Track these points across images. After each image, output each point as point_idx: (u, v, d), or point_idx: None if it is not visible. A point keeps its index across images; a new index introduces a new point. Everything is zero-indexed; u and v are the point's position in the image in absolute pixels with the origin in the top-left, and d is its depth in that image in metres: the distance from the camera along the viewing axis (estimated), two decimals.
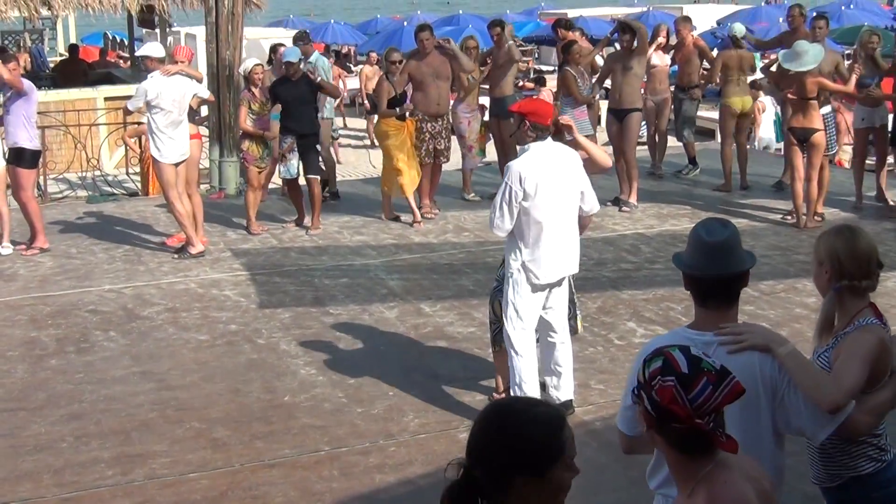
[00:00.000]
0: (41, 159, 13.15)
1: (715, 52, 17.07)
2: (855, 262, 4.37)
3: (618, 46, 15.04)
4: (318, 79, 13.56)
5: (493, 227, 7.41)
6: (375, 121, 14.47)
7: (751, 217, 13.34)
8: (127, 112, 12.68)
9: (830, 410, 3.87)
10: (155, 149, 12.11)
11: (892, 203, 13.69)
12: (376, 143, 16.35)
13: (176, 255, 12.41)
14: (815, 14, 14.51)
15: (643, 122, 15.29)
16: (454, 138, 14.68)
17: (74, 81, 21.07)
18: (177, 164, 12.23)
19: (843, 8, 33.78)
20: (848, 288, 4.37)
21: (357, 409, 7.75)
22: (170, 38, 23.10)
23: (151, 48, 12.72)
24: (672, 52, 15.94)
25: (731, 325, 3.94)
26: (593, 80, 14.92)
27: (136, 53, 12.52)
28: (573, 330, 8.00)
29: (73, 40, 35.96)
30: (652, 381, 3.08)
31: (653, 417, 3.10)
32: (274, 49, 15.69)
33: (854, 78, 12.98)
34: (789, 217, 13.17)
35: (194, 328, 9.99)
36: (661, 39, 15.87)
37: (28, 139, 12.45)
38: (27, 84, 12.48)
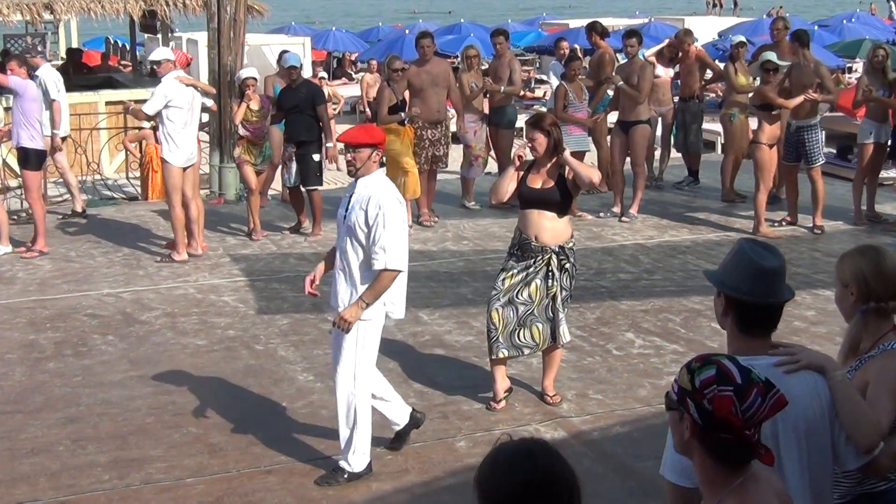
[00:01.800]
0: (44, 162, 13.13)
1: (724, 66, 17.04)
2: (882, 282, 4.27)
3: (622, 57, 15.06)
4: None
5: (398, 265, 6.80)
6: None
7: (749, 230, 13.32)
8: (145, 116, 12.49)
9: (865, 451, 3.81)
10: (167, 151, 12.13)
11: (884, 217, 13.77)
12: None
13: (159, 259, 12.42)
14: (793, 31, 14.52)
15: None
16: (452, 146, 14.68)
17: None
18: (184, 169, 12.26)
19: (844, 22, 33.79)
20: (875, 310, 4.27)
21: None
22: (171, 44, 23.10)
23: (164, 52, 12.75)
24: (674, 63, 15.94)
25: (784, 345, 3.86)
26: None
27: (150, 58, 12.51)
28: (559, 340, 7.99)
29: (74, 44, 35.99)
30: (705, 389, 3.03)
31: (697, 426, 3.06)
32: (281, 56, 15.71)
33: (835, 91, 13.18)
34: (781, 224, 13.49)
35: (192, 333, 9.99)
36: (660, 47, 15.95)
37: (29, 139, 12.50)
38: (14, 82, 12.48)
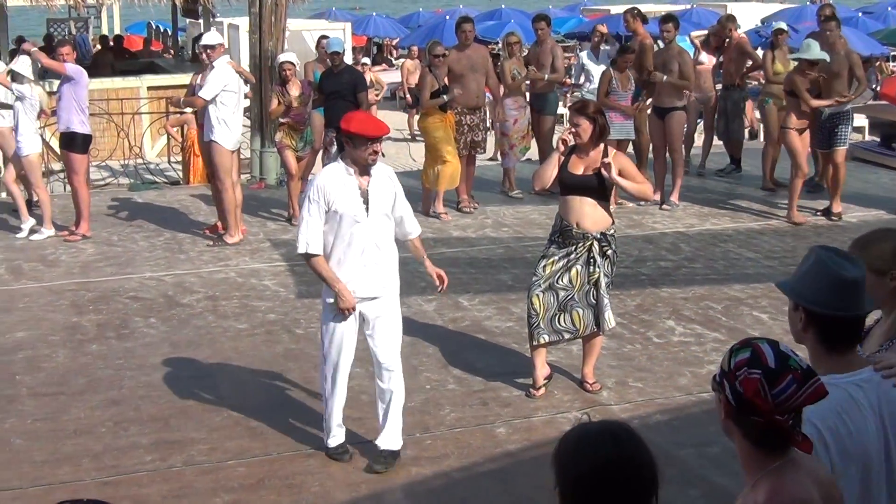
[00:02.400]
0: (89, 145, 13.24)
1: (759, 52, 16.92)
2: None
3: (661, 43, 14.97)
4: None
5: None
6: (418, 115, 14.46)
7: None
8: (204, 103, 12.25)
9: None
10: (219, 134, 12.21)
11: None
12: (417, 137, 16.37)
13: (211, 243, 12.51)
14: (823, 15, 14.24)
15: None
16: (491, 132, 14.65)
17: (104, 73, 21.14)
18: (232, 152, 12.35)
19: (889, 9, 33.42)
20: None
21: None
22: (213, 29, 23.20)
23: (217, 37, 12.81)
24: (720, 52, 15.80)
25: (882, 357, 3.76)
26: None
27: (203, 43, 12.48)
28: (604, 326, 7.98)
29: (117, 30, 36.21)
30: (737, 370, 3.05)
31: (732, 407, 3.08)
32: (319, 41, 15.76)
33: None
34: (819, 213, 13.40)
35: (233, 317, 10.05)
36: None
37: (80, 123, 12.61)
38: (70, 69, 12.57)
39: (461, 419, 7.73)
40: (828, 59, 12.92)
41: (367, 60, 25.91)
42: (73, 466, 7.10)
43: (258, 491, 6.76)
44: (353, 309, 6.84)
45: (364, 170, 6.80)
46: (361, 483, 6.88)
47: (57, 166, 15.70)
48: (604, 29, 16.08)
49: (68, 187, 13.39)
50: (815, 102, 12.85)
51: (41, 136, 13.09)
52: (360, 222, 6.77)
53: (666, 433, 7.47)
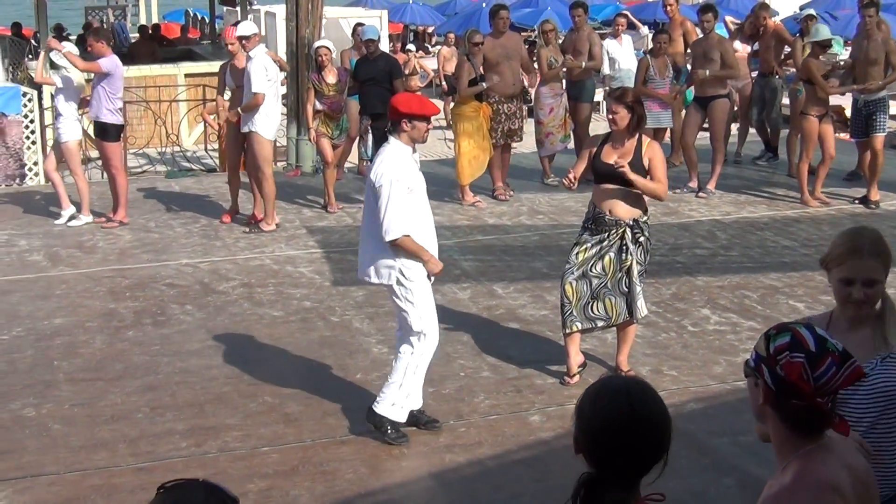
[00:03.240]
0: (122, 134, 13.32)
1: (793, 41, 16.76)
2: None
3: (699, 31, 14.87)
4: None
5: None
6: (452, 103, 14.44)
7: (835, 207, 13.17)
8: (263, 97, 12.26)
9: None
10: (260, 125, 12.31)
11: None
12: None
13: (247, 230, 12.57)
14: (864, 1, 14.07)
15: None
16: (528, 120, 14.60)
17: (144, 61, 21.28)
18: (271, 141, 12.51)
19: None
20: None
21: (428, 389, 7.75)
22: (250, 16, 23.27)
23: (252, 27, 12.81)
24: (754, 40, 15.68)
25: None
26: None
27: (238, 33, 12.49)
28: (636, 314, 7.96)
29: (154, 18, 36.40)
30: (778, 355, 3.05)
31: (771, 391, 3.08)
32: (354, 29, 15.75)
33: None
34: (857, 201, 13.33)
35: (269, 304, 10.09)
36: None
37: (111, 113, 12.67)
38: (105, 64, 12.61)
39: (495, 407, 7.73)
40: (840, 42, 12.93)
41: (412, 47, 25.83)
42: (110, 452, 7.16)
43: (292, 477, 6.79)
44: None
45: (415, 148, 7.15)
46: (395, 470, 6.91)
47: (94, 154, 15.79)
48: (623, 21, 15.98)
49: (105, 174, 13.46)
50: (831, 89, 12.81)
51: (80, 123, 13.13)
52: (425, 195, 7.16)
53: (700, 421, 7.44)
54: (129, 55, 21.09)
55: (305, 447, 7.20)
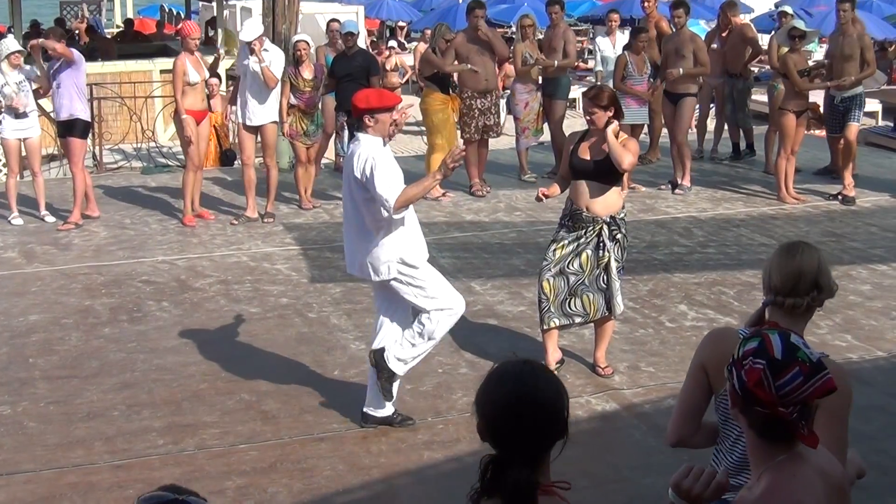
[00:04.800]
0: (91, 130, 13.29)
1: (768, 38, 16.81)
2: None
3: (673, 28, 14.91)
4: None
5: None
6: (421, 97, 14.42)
7: (807, 203, 13.23)
8: (275, 83, 12.60)
9: None
10: (276, 114, 12.75)
11: None
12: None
13: (235, 221, 12.75)
14: None
15: (697, 106, 15.08)
16: (504, 115, 14.60)
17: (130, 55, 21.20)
18: None
19: None
20: None
21: (406, 386, 7.76)
22: (225, 12, 23.20)
23: (255, 31, 12.73)
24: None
25: None
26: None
27: (244, 39, 12.42)
28: (615, 311, 7.98)
29: (130, 13, 36.22)
30: (744, 360, 3.01)
31: (738, 396, 3.04)
32: (328, 25, 15.70)
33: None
34: (832, 197, 13.36)
35: (246, 301, 10.06)
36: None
37: (82, 110, 12.63)
38: (76, 53, 12.60)
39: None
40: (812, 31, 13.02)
41: (393, 44, 25.74)
42: (86, 450, 7.13)
43: (270, 475, 6.77)
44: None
45: (385, 142, 7.08)
46: (373, 468, 6.89)
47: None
48: (616, 17, 16.00)
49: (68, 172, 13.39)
50: (805, 84, 12.85)
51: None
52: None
53: None
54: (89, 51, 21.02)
55: (283, 444, 7.18)
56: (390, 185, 6.79)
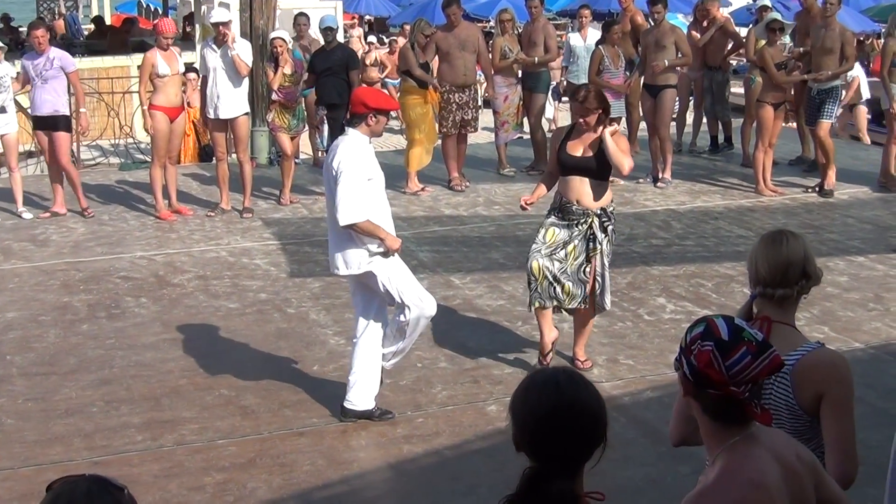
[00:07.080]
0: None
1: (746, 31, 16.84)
2: None
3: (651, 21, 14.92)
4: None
5: None
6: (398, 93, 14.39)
7: (783, 195, 13.29)
8: (247, 71, 12.72)
9: None
10: (247, 106, 12.88)
11: None
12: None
13: (211, 213, 12.81)
14: None
15: (676, 98, 15.11)
16: (483, 109, 14.60)
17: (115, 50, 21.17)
18: None
19: None
20: None
21: (385, 380, 7.75)
22: (203, 7, 23.10)
23: (225, 13, 12.93)
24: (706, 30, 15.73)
25: None
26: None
27: (212, 21, 12.56)
28: (601, 307, 8.00)
29: (107, 8, 36.04)
30: (692, 345, 3.07)
31: (690, 383, 3.09)
32: (296, 19, 15.53)
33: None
34: (813, 190, 13.44)
35: (224, 296, 10.04)
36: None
37: (64, 104, 12.71)
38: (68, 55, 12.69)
39: (452, 397, 7.74)
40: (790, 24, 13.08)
41: (373, 39, 25.66)
42: (65, 446, 7.10)
43: (249, 470, 6.76)
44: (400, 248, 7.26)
45: (370, 140, 7.23)
46: (353, 462, 6.89)
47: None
48: (587, 13, 15.94)
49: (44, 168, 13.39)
50: (782, 77, 12.90)
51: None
52: (383, 186, 7.21)
53: (657, 409, 7.47)
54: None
55: (262, 439, 7.17)
56: (350, 200, 6.92)
